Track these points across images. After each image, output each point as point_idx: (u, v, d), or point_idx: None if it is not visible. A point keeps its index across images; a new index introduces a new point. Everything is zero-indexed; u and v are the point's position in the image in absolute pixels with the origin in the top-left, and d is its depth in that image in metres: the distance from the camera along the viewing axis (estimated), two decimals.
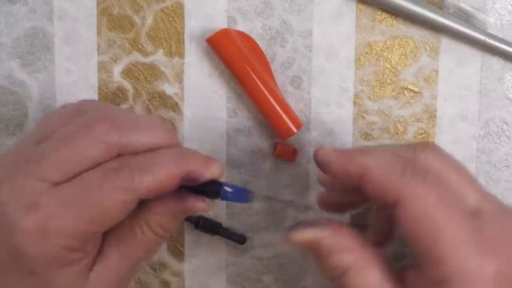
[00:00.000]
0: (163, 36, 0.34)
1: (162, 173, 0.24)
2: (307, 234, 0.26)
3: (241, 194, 0.27)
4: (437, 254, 0.23)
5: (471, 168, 0.36)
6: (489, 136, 0.35)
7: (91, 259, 0.25)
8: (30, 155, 0.24)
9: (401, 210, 0.24)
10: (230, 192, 0.27)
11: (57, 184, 0.23)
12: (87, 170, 0.24)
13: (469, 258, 0.23)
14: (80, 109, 0.27)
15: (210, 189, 0.27)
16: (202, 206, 0.26)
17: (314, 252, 0.27)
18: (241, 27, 0.34)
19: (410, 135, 0.35)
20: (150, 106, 0.35)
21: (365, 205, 0.32)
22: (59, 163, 0.23)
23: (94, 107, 0.27)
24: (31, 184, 0.23)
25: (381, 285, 0.25)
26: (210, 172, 0.26)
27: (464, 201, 0.25)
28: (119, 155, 0.25)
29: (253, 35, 0.34)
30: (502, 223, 0.25)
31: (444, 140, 0.35)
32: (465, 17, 0.34)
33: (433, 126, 0.35)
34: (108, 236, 0.26)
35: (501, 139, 0.35)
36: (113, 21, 0.34)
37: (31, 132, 0.27)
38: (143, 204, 0.26)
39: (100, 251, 0.26)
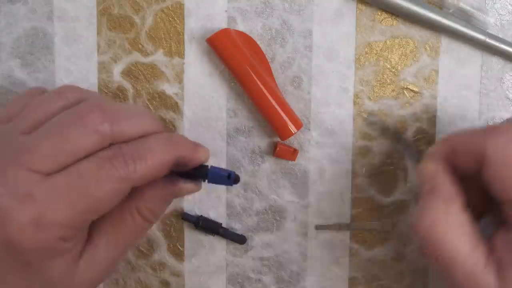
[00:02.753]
0: (163, 36, 0.34)
1: (154, 160, 0.25)
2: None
3: (227, 177, 0.28)
4: None
5: None
6: None
7: (81, 246, 0.25)
8: (19, 145, 0.24)
9: (490, 164, 0.25)
10: (217, 174, 0.28)
11: (49, 174, 0.23)
12: (79, 160, 0.24)
13: None
14: (62, 96, 0.26)
15: (198, 172, 0.28)
16: (190, 188, 0.28)
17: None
18: (241, 27, 0.34)
19: (410, 135, 0.35)
20: (150, 106, 0.35)
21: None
22: (51, 154, 0.23)
23: (77, 94, 0.27)
24: (23, 175, 0.23)
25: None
26: (198, 157, 0.27)
27: None
28: (111, 144, 0.25)
29: (253, 35, 0.34)
30: None
31: None
32: (465, 17, 0.34)
33: (433, 126, 0.35)
34: (96, 222, 0.26)
35: None
36: (113, 21, 0.34)
37: None
38: (133, 190, 0.26)
39: (88, 238, 0.26)
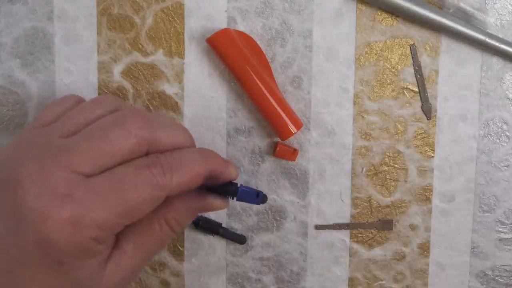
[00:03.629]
0: (163, 36, 0.34)
1: (190, 171, 0.26)
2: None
3: (256, 196, 0.29)
4: None
5: (471, 168, 0.36)
6: (489, 136, 0.35)
7: (110, 250, 0.26)
8: (59, 147, 0.24)
9: None
10: (246, 193, 0.29)
11: (89, 176, 0.24)
12: (118, 164, 0.24)
13: None
14: (101, 104, 0.27)
15: (228, 188, 0.29)
16: (219, 204, 0.28)
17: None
18: (241, 27, 0.34)
19: (410, 135, 0.35)
20: (150, 106, 0.35)
21: None
22: (91, 155, 0.24)
23: (116, 103, 0.28)
24: (63, 176, 0.23)
25: None
26: (229, 172, 0.28)
27: None
28: (147, 152, 0.25)
29: (253, 35, 0.34)
30: None
31: (444, 140, 0.35)
32: (465, 17, 0.34)
33: (433, 126, 0.35)
34: (125, 228, 0.26)
35: (501, 139, 0.35)
36: (113, 21, 0.34)
37: (35, 120, 0.27)
38: (164, 200, 0.26)
39: (116, 243, 0.26)
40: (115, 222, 0.24)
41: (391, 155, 0.35)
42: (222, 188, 0.28)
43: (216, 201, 0.28)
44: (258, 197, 0.29)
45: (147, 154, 0.26)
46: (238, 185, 0.29)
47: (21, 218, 0.23)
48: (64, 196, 0.23)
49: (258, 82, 0.32)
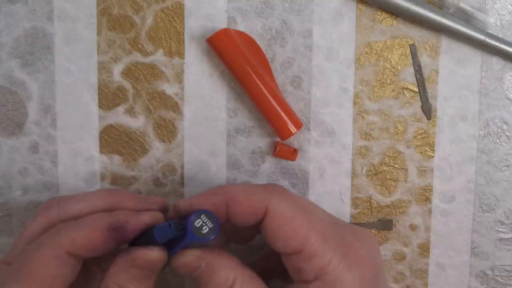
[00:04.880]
0: (163, 36, 0.34)
1: (86, 225, 0.27)
2: (188, 256, 0.27)
3: (168, 226, 0.26)
4: (309, 251, 0.26)
5: (471, 168, 0.36)
6: (489, 136, 0.35)
7: None
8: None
9: (270, 220, 0.27)
10: (160, 228, 0.26)
11: (10, 264, 0.27)
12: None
13: (337, 250, 0.26)
14: (36, 219, 0.30)
15: (145, 236, 0.27)
16: (148, 253, 0.26)
17: (198, 273, 0.27)
18: (241, 27, 0.34)
19: (410, 135, 0.35)
20: (150, 106, 0.35)
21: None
22: (14, 246, 0.28)
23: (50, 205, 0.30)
24: None
25: None
26: (138, 219, 0.27)
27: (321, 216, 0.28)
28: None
29: (253, 35, 0.34)
30: (355, 233, 0.28)
31: (444, 140, 0.35)
32: (465, 17, 0.34)
33: (433, 126, 0.35)
34: None
35: (501, 139, 0.35)
36: (113, 21, 0.34)
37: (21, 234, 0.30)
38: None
39: None
40: None
41: (391, 155, 0.35)
42: (140, 237, 0.27)
43: (142, 251, 0.26)
44: (171, 227, 0.26)
45: None
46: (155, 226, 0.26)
47: None
48: None
49: (258, 82, 0.32)
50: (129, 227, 0.26)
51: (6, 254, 0.28)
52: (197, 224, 0.25)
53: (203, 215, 0.25)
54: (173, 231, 0.26)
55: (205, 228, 0.25)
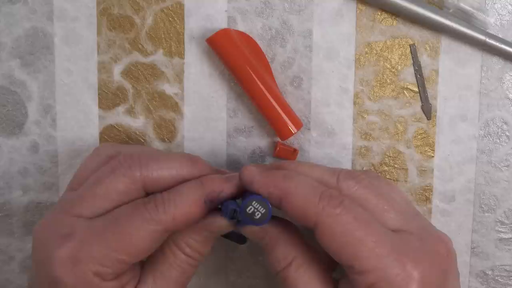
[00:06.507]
0: (163, 36, 0.34)
1: (185, 201, 0.27)
2: (254, 226, 0.28)
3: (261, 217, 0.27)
4: (360, 267, 0.25)
5: (471, 168, 0.36)
6: (489, 136, 0.35)
7: (131, 287, 0.27)
8: (67, 199, 0.28)
9: (319, 233, 0.26)
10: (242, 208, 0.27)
11: (90, 218, 0.26)
12: (119, 206, 0.27)
13: (391, 266, 0.25)
14: (100, 155, 0.30)
15: (226, 208, 0.27)
16: (219, 221, 0.28)
17: (264, 243, 0.28)
18: (241, 27, 0.34)
19: (410, 135, 0.35)
20: (150, 106, 0.35)
21: None
22: (88, 200, 0.27)
23: (112, 150, 0.30)
24: (67, 220, 0.26)
25: (317, 284, 0.27)
26: (228, 187, 0.28)
27: (382, 221, 0.27)
28: (145, 188, 0.27)
29: (253, 35, 0.34)
30: (421, 240, 0.27)
31: (444, 140, 0.35)
32: (465, 17, 0.34)
33: (433, 126, 0.35)
34: (145, 265, 0.29)
35: (501, 139, 0.35)
36: (113, 21, 0.34)
37: (70, 184, 0.31)
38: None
39: (140, 278, 0.28)
40: (115, 258, 0.25)
41: (391, 155, 0.35)
42: (222, 208, 0.28)
43: (216, 219, 0.28)
44: (235, 212, 0.27)
45: (148, 193, 0.28)
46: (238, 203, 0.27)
47: (36, 264, 0.26)
48: (65, 236, 0.26)
49: (258, 82, 0.32)
50: (221, 198, 0.28)
51: (72, 190, 0.29)
52: (249, 210, 0.26)
53: (254, 202, 0.26)
54: (236, 213, 0.27)
55: (257, 214, 0.26)
